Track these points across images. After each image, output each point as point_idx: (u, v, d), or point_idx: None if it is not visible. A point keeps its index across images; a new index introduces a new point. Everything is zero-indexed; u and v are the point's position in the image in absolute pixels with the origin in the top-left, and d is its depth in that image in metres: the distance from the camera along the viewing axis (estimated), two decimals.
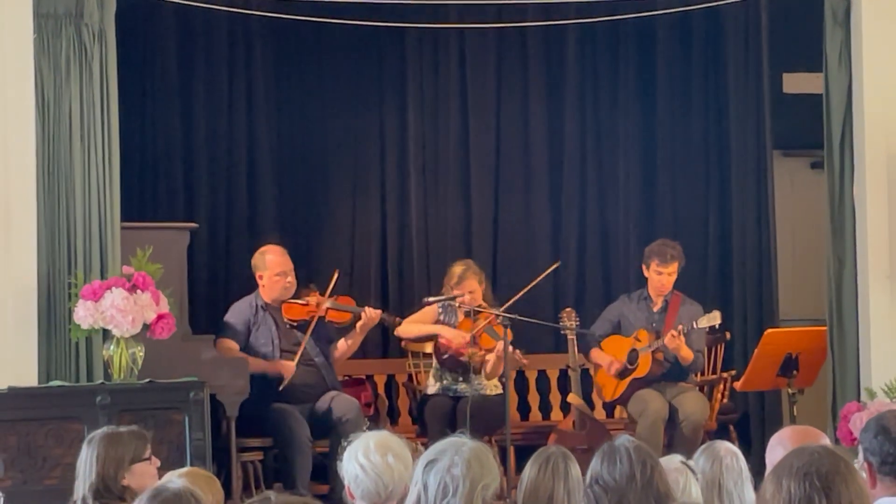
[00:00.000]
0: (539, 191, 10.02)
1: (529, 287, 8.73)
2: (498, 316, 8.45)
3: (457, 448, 3.79)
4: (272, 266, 8.43)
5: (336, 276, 8.52)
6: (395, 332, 8.90)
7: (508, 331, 8.33)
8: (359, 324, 8.51)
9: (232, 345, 8.32)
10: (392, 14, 9.02)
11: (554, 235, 10.03)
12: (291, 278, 8.45)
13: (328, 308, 8.45)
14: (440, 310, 8.76)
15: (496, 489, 3.82)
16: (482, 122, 9.94)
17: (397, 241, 9.83)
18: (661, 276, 8.78)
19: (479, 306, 8.61)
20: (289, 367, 8.28)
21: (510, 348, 8.27)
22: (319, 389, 8.40)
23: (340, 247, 9.68)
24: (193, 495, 3.55)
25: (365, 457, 4.18)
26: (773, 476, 3.04)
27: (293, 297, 8.46)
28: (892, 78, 8.24)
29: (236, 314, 8.46)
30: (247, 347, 8.36)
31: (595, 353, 8.94)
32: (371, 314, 8.49)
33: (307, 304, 8.44)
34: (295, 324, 8.46)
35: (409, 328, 8.81)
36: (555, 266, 9.03)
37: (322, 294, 8.47)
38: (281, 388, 8.24)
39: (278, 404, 8.20)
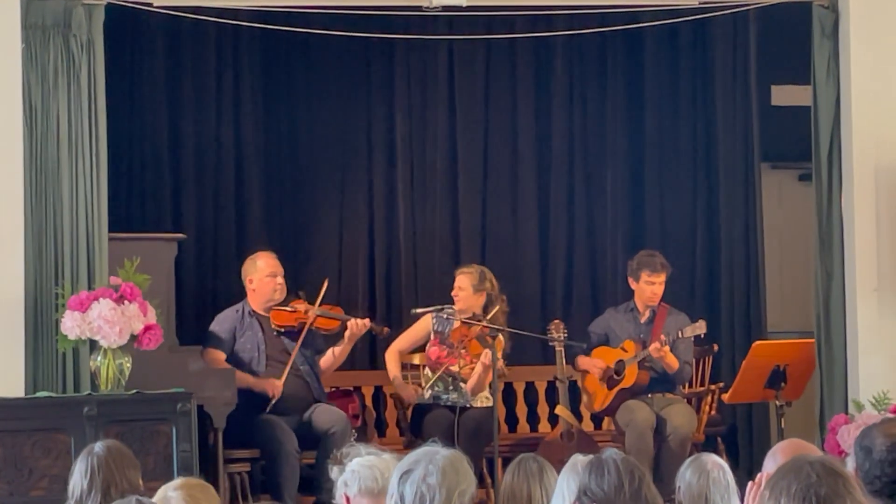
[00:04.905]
0: (527, 201, 10.01)
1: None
2: (485, 327, 8.44)
3: (430, 457, 3.80)
4: (263, 268, 8.40)
5: (326, 284, 8.50)
6: (385, 355, 8.88)
7: (500, 339, 8.35)
8: (346, 333, 8.48)
9: (218, 355, 8.27)
10: (380, 26, 9.01)
11: (542, 246, 10.02)
12: (282, 281, 8.41)
13: (317, 315, 8.43)
14: (434, 320, 8.74)
15: (473, 494, 3.83)
16: (470, 133, 9.94)
17: (385, 251, 9.82)
18: (654, 285, 8.78)
19: (471, 317, 8.59)
20: (276, 386, 8.21)
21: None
22: (306, 401, 8.36)
23: (328, 256, 9.67)
24: None
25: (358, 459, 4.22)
26: (771, 494, 3.05)
27: (281, 305, 8.44)
28: (879, 90, 8.25)
29: (221, 322, 8.43)
30: (232, 354, 8.32)
31: (581, 360, 8.93)
32: (359, 324, 8.46)
33: (296, 311, 8.41)
34: (282, 330, 8.42)
35: (390, 359, 8.81)
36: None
37: (311, 303, 8.45)
38: (268, 410, 8.18)
39: (266, 415, 8.18)
